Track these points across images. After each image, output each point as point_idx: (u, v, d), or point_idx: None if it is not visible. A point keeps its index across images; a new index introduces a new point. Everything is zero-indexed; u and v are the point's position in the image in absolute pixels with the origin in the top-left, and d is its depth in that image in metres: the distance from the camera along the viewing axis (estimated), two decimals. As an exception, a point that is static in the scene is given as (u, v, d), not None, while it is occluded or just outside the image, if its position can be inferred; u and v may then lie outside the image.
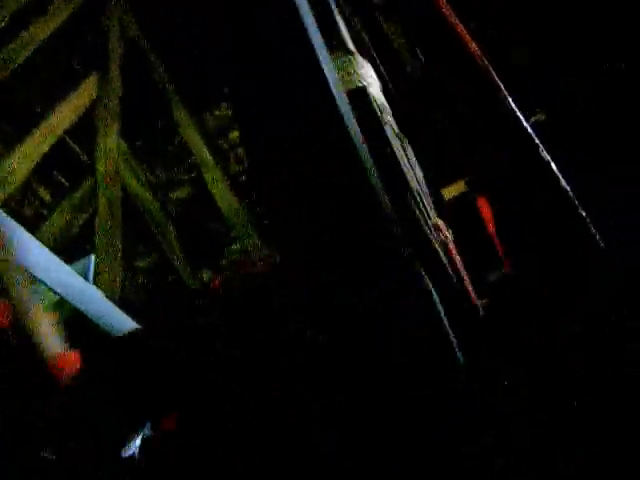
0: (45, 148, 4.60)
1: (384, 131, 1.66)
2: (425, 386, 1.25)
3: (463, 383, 1.02)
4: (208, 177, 5.32)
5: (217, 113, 5.62)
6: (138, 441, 2.42)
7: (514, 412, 0.97)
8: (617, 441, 1.39)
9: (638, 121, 3.16)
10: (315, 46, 1.29)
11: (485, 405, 0.99)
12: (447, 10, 1.86)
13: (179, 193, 5.69)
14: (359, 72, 1.99)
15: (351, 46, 2.12)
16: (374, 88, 2.01)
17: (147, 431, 2.49)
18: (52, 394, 2.28)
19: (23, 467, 2.01)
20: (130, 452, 2.39)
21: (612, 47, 3.69)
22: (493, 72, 1.77)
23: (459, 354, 1.02)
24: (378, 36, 2.72)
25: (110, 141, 5.12)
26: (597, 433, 1.31)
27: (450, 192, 3.67)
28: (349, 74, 1.99)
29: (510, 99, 1.76)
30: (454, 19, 1.84)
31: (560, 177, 1.83)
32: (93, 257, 4.23)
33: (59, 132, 4.76)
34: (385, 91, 2.44)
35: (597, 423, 1.48)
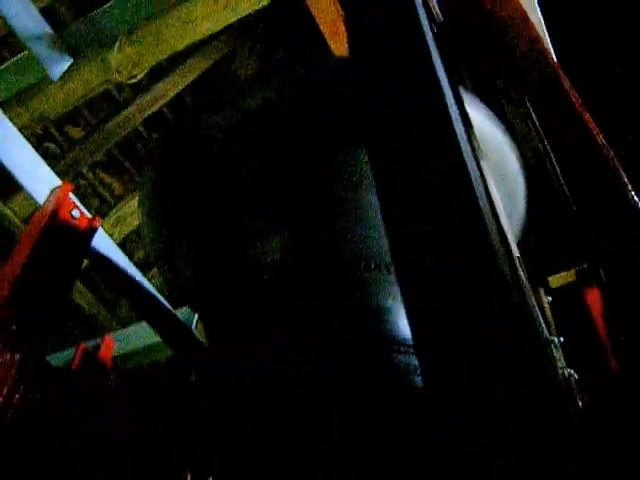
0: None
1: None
2: (425, 386, 1.25)
3: (463, 383, 1.02)
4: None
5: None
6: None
7: (514, 412, 0.97)
8: (617, 441, 1.39)
9: None
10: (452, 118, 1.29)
11: (485, 405, 0.99)
12: (575, 98, 1.82)
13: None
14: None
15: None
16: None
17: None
18: (52, 394, 2.28)
19: (23, 467, 2.01)
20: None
21: None
22: (619, 165, 1.72)
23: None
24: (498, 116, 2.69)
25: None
26: (597, 433, 1.31)
27: (558, 280, 3.43)
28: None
29: (633, 192, 1.69)
30: (582, 108, 1.79)
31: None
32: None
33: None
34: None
35: (597, 423, 1.48)
